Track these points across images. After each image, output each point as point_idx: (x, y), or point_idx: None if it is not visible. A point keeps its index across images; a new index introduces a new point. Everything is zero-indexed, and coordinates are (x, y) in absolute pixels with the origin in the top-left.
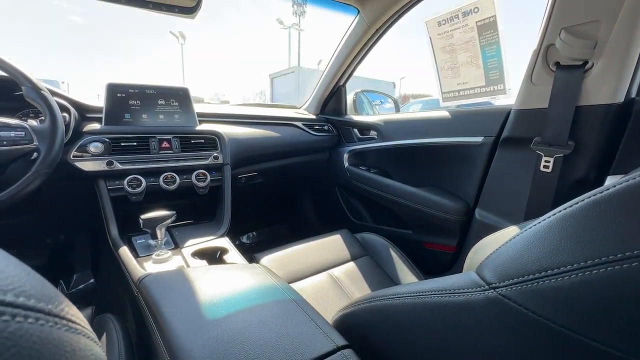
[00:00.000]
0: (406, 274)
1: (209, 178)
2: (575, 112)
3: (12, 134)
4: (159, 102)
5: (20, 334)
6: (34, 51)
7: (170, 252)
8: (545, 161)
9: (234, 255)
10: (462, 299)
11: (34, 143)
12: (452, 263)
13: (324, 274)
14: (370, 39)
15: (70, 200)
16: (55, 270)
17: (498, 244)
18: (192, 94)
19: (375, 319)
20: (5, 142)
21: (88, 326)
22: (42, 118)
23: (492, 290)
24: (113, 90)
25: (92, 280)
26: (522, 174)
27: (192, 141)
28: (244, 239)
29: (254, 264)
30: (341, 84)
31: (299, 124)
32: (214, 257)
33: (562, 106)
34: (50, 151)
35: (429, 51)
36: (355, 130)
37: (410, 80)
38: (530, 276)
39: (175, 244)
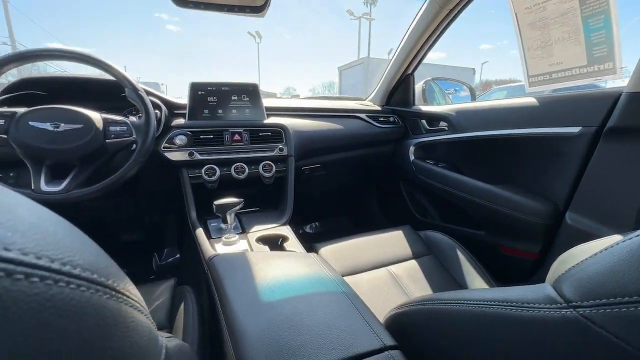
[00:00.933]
0: (474, 279)
1: (274, 169)
2: None
3: (118, 128)
4: (232, 98)
5: (61, 297)
6: (141, 57)
7: (237, 236)
8: None
9: (294, 243)
10: (532, 314)
11: (133, 136)
12: (533, 272)
13: (382, 270)
14: (442, 22)
15: (161, 186)
16: (151, 244)
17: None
18: (266, 89)
19: (431, 323)
20: (113, 135)
21: (134, 296)
22: (140, 115)
23: (572, 310)
24: (195, 89)
25: (177, 255)
26: (635, 172)
27: (260, 134)
28: (307, 229)
29: (311, 254)
30: (409, 72)
31: (363, 115)
32: (275, 243)
33: None
34: (145, 143)
35: (514, 29)
36: (423, 122)
37: (494, 65)
38: (627, 298)
39: (243, 229)
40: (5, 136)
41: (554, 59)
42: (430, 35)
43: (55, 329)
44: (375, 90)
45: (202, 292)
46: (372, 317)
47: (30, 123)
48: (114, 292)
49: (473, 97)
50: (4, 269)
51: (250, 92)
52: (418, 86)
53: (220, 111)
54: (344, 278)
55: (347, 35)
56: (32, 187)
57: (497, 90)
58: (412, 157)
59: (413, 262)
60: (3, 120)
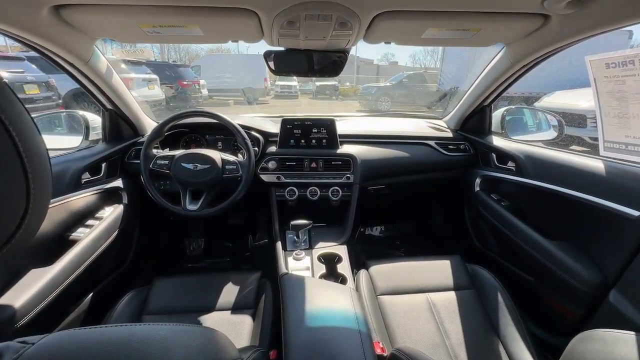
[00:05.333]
0: (508, 323)
1: (340, 193)
2: None
3: (231, 167)
4: (313, 131)
5: None
6: None
7: (304, 253)
8: None
9: (344, 266)
10: None
11: (240, 172)
12: (570, 330)
13: (421, 295)
14: (514, 75)
15: (256, 196)
16: (248, 228)
17: (617, 350)
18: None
19: None
20: (227, 172)
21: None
22: (243, 152)
23: None
24: (285, 123)
25: (266, 240)
26: None
27: (333, 162)
28: (374, 231)
29: (352, 289)
30: (486, 104)
31: (432, 143)
32: (332, 261)
33: None
34: (247, 177)
35: (592, 89)
36: (494, 156)
37: None
38: None
39: (310, 244)
40: (168, 171)
41: (630, 132)
42: (505, 81)
43: None
44: (453, 112)
45: (276, 286)
46: (371, 355)
47: (182, 164)
48: None
49: (559, 133)
50: None
51: (328, 125)
52: (498, 112)
53: (302, 141)
54: (384, 297)
55: None
56: (182, 206)
57: None
58: (477, 188)
59: (452, 294)
60: (167, 161)
